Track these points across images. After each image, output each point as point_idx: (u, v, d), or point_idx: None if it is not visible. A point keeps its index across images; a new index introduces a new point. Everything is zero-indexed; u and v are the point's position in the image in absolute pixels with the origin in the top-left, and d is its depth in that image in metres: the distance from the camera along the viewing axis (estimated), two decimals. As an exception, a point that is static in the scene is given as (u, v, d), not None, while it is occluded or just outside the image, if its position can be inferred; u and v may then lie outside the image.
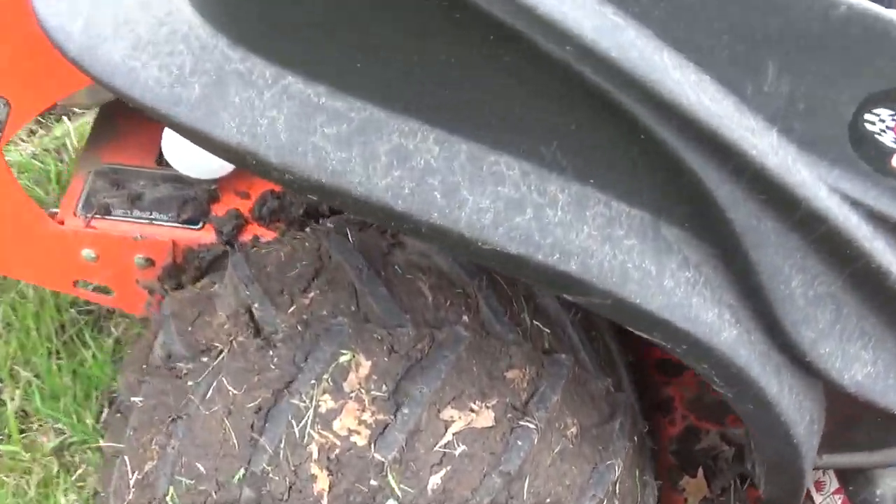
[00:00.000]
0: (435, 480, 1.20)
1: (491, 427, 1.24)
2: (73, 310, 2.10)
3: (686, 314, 1.07)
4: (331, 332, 1.27)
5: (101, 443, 1.47)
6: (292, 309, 1.32)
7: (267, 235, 1.60)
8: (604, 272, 1.02)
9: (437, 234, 1.01)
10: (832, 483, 1.77)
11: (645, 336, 1.10)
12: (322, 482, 1.19)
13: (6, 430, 1.99)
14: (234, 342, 1.30)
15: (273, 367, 1.26)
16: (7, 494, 1.91)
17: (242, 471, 1.21)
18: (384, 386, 1.24)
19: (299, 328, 1.29)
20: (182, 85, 1.01)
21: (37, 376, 2.02)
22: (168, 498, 1.24)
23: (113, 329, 2.07)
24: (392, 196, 0.99)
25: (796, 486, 1.37)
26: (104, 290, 1.75)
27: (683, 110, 0.92)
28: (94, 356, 2.02)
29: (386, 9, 0.94)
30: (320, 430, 1.20)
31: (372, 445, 1.20)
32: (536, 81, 0.95)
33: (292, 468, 1.19)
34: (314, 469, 1.19)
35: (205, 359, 1.32)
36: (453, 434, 1.22)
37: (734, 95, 0.96)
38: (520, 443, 1.24)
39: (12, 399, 2.01)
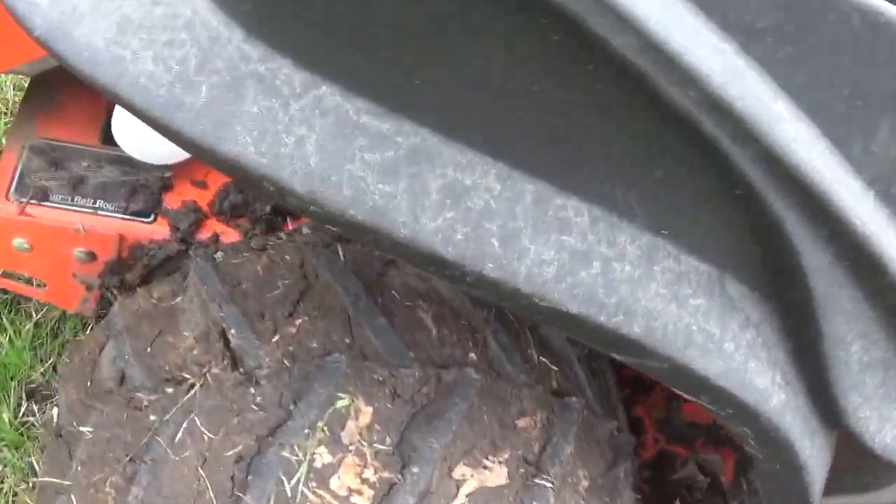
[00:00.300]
0: (444, 550, 1.06)
1: (504, 485, 1.10)
2: (-14, 289, 1.86)
3: (742, 380, 0.96)
4: (325, 370, 1.10)
5: (39, 473, 1.26)
6: (276, 338, 1.15)
7: (228, 234, 1.41)
8: (668, 336, 0.91)
9: (487, 285, 0.86)
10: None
11: (687, 397, 1.00)
12: (316, 552, 1.03)
13: None
14: (207, 375, 1.12)
15: (256, 408, 1.09)
16: None
17: (221, 532, 1.04)
18: (388, 438, 1.08)
19: (286, 363, 1.12)
20: (184, 85, 0.82)
21: (-57, 363, 1.79)
22: (127, 554, 1.07)
23: (33, 312, 1.84)
24: (442, 241, 0.83)
25: (796, 536, 1.30)
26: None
27: (795, 169, 0.81)
28: (10, 341, 1.79)
29: (458, 10, 0.78)
30: (315, 489, 1.04)
31: (376, 509, 1.05)
32: (631, 120, 0.81)
33: (281, 534, 1.03)
34: (307, 536, 1.03)
35: (170, 390, 1.14)
36: (466, 496, 1.08)
37: (840, 153, 0.84)
38: None
39: (-88, 389, 1.77)
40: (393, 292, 1.20)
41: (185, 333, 1.19)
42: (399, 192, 0.82)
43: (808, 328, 0.94)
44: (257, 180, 0.83)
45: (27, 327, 1.82)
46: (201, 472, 1.06)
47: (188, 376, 1.13)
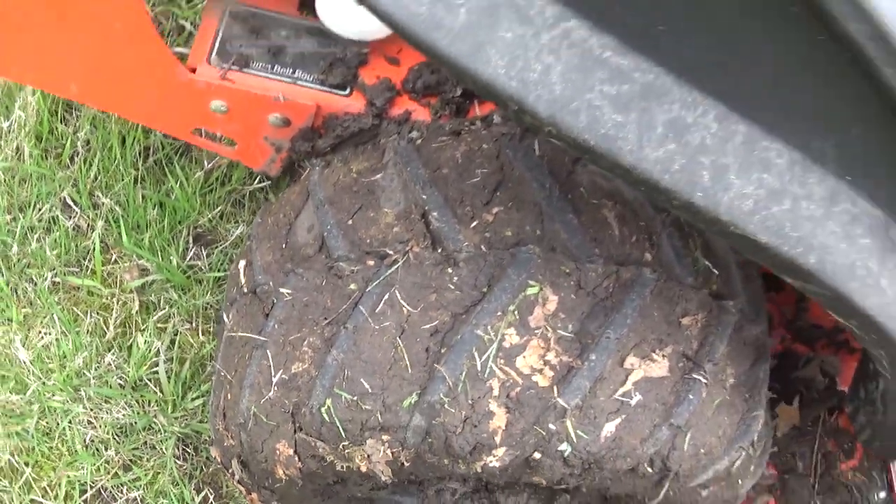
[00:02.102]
0: (609, 428, 1.28)
1: (665, 377, 1.31)
2: (159, 133, 2.10)
3: (892, 314, 1.14)
4: (518, 258, 1.31)
5: (228, 327, 1.49)
6: (474, 224, 1.35)
7: (418, 112, 1.61)
8: (836, 268, 1.09)
9: (692, 211, 1.05)
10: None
11: (838, 319, 1.18)
12: (499, 420, 1.26)
13: (86, 263, 2.02)
14: (410, 252, 1.34)
15: (453, 287, 1.31)
16: (84, 332, 1.96)
17: (415, 396, 1.27)
18: (570, 325, 1.29)
19: (483, 248, 1.33)
20: (445, 7, 0.99)
21: (118, 204, 2.04)
22: (323, 410, 1.31)
23: (204, 160, 2.07)
24: (660, 170, 1.02)
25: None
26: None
27: None
28: (181, 186, 2.03)
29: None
30: (503, 366, 1.27)
31: (555, 388, 1.27)
32: (843, 84, 0.97)
33: (470, 402, 1.26)
34: (493, 406, 1.26)
35: (371, 262, 1.36)
36: (633, 383, 1.29)
37: None
38: (691, 396, 1.31)
39: (92, 229, 2.03)
40: (581, 189, 1.39)
41: (385, 210, 1.40)
42: (629, 122, 1.01)
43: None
44: (504, 100, 1.02)
45: (197, 174, 2.05)
46: (399, 342, 1.30)
47: (390, 252, 1.35)
